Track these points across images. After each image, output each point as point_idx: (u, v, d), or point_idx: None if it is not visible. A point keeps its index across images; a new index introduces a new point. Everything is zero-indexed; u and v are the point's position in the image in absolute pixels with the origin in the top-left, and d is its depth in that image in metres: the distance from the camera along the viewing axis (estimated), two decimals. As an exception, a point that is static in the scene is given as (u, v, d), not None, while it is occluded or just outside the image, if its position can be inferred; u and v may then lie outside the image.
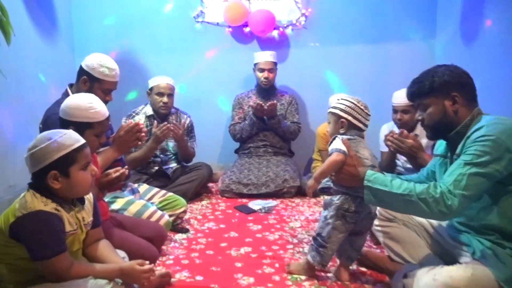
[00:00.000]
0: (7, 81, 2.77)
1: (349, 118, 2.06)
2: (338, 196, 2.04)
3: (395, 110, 3.13)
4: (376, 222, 2.35)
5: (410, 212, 1.87)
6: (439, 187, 1.67)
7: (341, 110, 2.08)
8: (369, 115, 2.10)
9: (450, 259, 1.92)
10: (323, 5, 4.17)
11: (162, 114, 3.51)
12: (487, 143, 1.65)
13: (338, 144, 2.00)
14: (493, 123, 1.70)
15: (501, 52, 3.02)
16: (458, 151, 1.79)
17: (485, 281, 1.65)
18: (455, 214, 1.66)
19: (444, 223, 2.01)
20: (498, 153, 1.63)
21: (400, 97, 3.08)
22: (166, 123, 3.26)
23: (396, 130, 2.87)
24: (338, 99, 2.14)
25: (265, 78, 3.89)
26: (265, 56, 3.89)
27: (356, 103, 2.07)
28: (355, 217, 2.03)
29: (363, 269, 2.23)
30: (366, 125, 2.10)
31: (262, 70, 3.90)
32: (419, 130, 3.05)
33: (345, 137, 2.04)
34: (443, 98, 1.81)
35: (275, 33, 4.20)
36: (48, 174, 1.66)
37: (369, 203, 1.86)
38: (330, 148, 2.04)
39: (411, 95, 1.93)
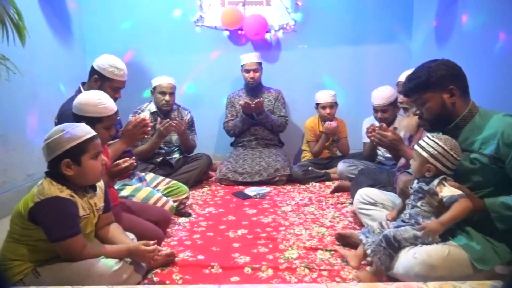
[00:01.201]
0: (24, 79, 2.73)
1: (438, 165, 1.74)
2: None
3: (375, 110, 3.10)
4: (359, 205, 2.36)
5: None
6: None
7: (431, 155, 1.74)
8: (459, 161, 1.74)
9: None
10: (311, 11, 4.14)
11: (164, 111, 3.49)
12: None
13: (453, 190, 1.69)
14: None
15: (472, 52, 3.01)
16: (472, 145, 1.72)
17: (460, 259, 1.66)
18: None
19: None
20: None
21: (379, 98, 3.04)
22: (168, 120, 3.26)
23: (376, 123, 2.85)
24: (430, 139, 1.77)
25: (251, 78, 3.85)
26: (250, 58, 3.85)
27: (449, 150, 1.72)
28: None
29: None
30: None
31: (248, 71, 3.85)
32: (397, 123, 3.05)
33: (450, 179, 1.74)
34: (440, 92, 1.75)
35: (267, 36, 4.16)
36: (62, 162, 1.65)
37: (501, 228, 1.67)
38: (445, 196, 1.69)
39: (408, 91, 1.84)
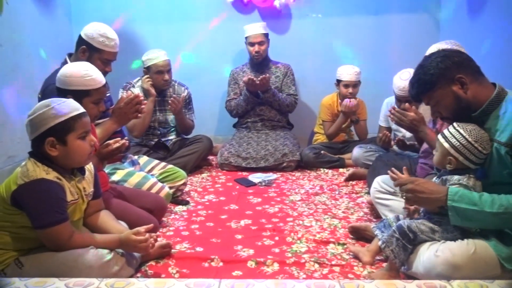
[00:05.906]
0: (3, 49, 2.76)
1: (460, 158, 1.76)
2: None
3: (399, 100, 2.97)
4: (376, 194, 2.38)
5: (505, 227, 1.72)
6: None
7: (453, 147, 1.76)
8: (485, 154, 1.75)
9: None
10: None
11: (161, 88, 3.51)
12: None
13: None
14: None
15: (508, 25, 2.99)
16: (494, 133, 1.72)
17: (487, 258, 1.68)
18: None
19: None
20: None
21: (403, 89, 2.86)
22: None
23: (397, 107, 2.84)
24: (454, 128, 1.78)
25: (256, 52, 3.83)
26: (254, 29, 3.81)
27: (473, 142, 1.72)
28: None
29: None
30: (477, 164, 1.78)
31: (252, 44, 3.83)
32: (422, 109, 3.01)
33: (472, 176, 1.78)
34: (449, 85, 1.76)
35: (276, 3, 4.12)
36: (46, 140, 1.68)
37: (456, 224, 1.72)
38: None
39: (416, 97, 1.88)
